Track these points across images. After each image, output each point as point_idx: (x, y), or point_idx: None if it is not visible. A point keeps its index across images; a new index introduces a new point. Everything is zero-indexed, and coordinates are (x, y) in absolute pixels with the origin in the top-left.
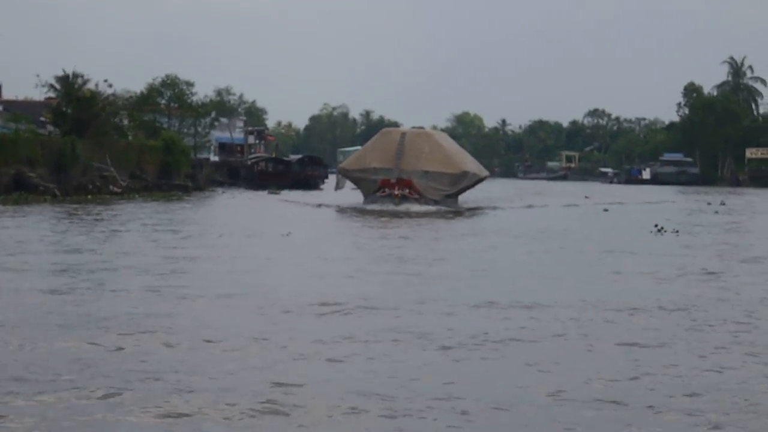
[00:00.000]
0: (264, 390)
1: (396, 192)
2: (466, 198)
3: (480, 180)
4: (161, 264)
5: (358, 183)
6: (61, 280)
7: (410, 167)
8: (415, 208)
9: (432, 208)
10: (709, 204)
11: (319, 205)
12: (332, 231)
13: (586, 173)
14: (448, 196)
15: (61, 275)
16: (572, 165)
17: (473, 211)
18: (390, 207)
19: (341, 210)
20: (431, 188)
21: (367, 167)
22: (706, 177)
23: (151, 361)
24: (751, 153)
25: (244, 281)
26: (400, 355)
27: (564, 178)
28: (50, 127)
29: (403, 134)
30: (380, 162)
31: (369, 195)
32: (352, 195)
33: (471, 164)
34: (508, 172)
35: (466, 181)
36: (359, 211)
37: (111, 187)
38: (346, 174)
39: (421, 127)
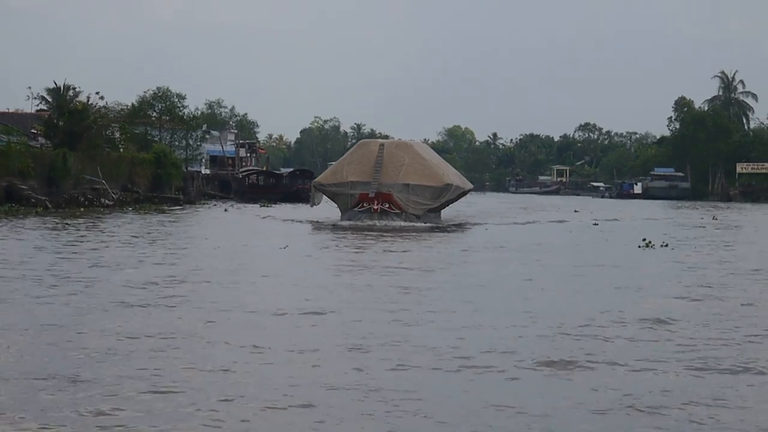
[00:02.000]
0: None
1: (375, 207)
2: (453, 212)
3: (464, 193)
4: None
5: (334, 198)
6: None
7: (390, 180)
8: (396, 223)
9: (414, 223)
10: (702, 218)
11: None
12: (307, 253)
13: (578, 187)
14: (430, 210)
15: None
16: (563, 179)
17: (459, 227)
18: (368, 223)
19: (317, 227)
20: (413, 202)
21: (344, 181)
22: (697, 192)
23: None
24: (741, 168)
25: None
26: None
27: (556, 192)
28: (41, 139)
29: (382, 146)
30: (358, 175)
31: (346, 210)
32: (330, 210)
33: (454, 176)
34: (500, 186)
35: (449, 195)
36: (336, 228)
37: (102, 199)
38: (321, 189)
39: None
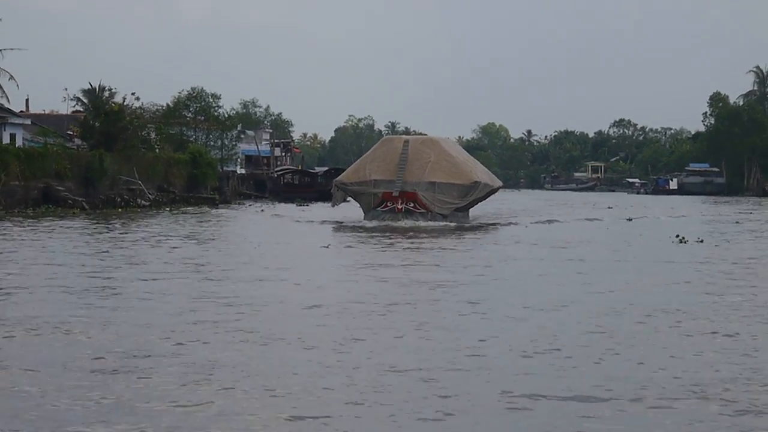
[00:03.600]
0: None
1: (399, 206)
2: (484, 211)
3: (493, 191)
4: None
5: (357, 197)
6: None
7: (415, 178)
8: (421, 223)
9: (440, 223)
10: (740, 214)
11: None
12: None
13: (613, 184)
14: (458, 209)
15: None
16: (599, 176)
17: (491, 226)
18: (392, 223)
19: (339, 227)
20: (439, 201)
21: (367, 180)
22: (733, 187)
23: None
24: None
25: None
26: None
27: (592, 189)
28: (77, 141)
29: (407, 142)
30: (381, 174)
31: (369, 210)
32: (353, 210)
33: (482, 174)
34: (534, 183)
35: (477, 193)
36: (360, 229)
37: (139, 200)
38: (343, 188)
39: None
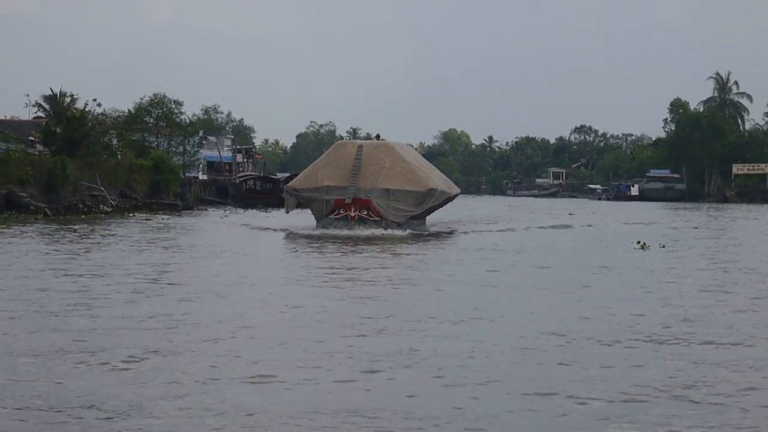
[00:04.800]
0: None
1: (352, 214)
2: (441, 218)
3: (450, 198)
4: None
5: (309, 204)
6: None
7: (368, 185)
8: (375, 232)
9: (395, 232)
10: (713, 219)
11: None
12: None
13: (575, 190)
14: (413, 217)
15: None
16: (560, 182)
17: (448, 234)
18: (344, 232)
19: (290, 236)
20: (393, 209)
21: (319, 186)
22: (693, 193)
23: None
24: (737, 169)
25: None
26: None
27: (554, 195)
28: (39, 147)
29: (360, 147)
30: (333, 180)
31: (321, 218)
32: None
33: (438, 180)
34: (496, 190)
35: (434, 200)
36: (311, 237)
37: (101, 206)
38: (294, 194)
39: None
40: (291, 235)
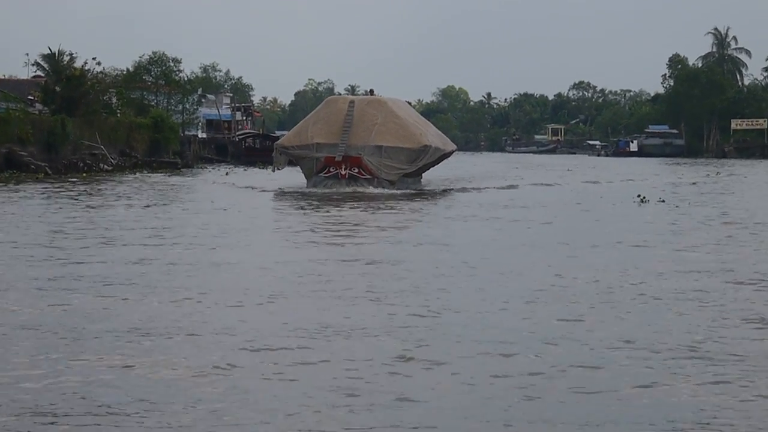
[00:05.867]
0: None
1: (343, 172)
2: (440, 175)
3: (445, 155)
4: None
5: (299, 162)
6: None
7: (360, 142)
8: (365, 190)
9: (387, 190)
10: (707, 175)
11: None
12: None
13: (574, 146)
14: (407, 175)
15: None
16: (559, 138)
17: (443, 194)
18: (335, 190)
19: (279, 194)
20: (385, 166)
21: (309, 143)
22: (692, 148)
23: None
24: (736, 124)
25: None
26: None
27: (553, 151)
28: (39, 106)
29: (352, 103)
30: (324, 137)
31: (312, 176)
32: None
33: (433, 137)
34: (495, 146)
35: (428, 157)
36: (301, 196)
37: (101, 164)
38: (284, 151)
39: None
40: (279, 195)
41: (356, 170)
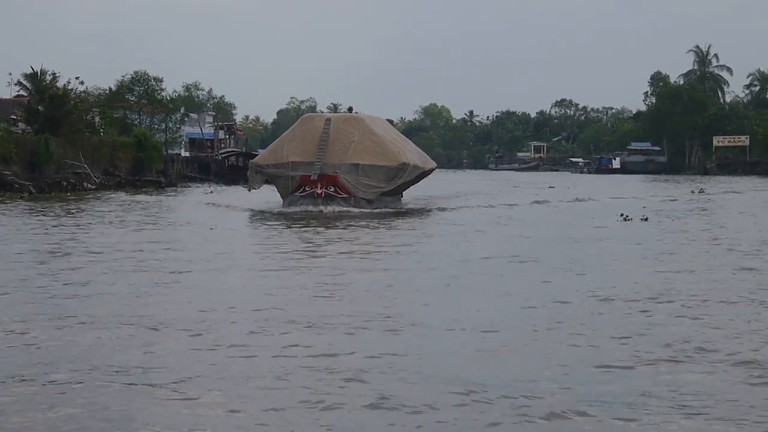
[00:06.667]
0: None
1: (319, 191)
2: (419, 193)
3: (425, 173)
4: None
5: (274, 181)
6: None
7: (336, 160)
8: (342, 209)
9: (365, 210)
10: (692, 192)
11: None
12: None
13: (557, 163)
14: (385, 193)
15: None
16: (542, 155)
17: (420, 213)
18: (310, 209)
19: (255, 215)
20: (363, 185)
21: (284, 161)
22: (674, 165)
23: None
24: (718, 141)
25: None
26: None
27: (536, 168)
28: (22, 125)
29: (328, 120)
30: (300, 155)
31: (287, 195)
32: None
33: (412, 154)
34: (478, 164)
35: (406, 175)
36: (273, 217)
37: (85, 183)
38: (259, 170)
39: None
40: (255, 215)
41: (332, 189)
